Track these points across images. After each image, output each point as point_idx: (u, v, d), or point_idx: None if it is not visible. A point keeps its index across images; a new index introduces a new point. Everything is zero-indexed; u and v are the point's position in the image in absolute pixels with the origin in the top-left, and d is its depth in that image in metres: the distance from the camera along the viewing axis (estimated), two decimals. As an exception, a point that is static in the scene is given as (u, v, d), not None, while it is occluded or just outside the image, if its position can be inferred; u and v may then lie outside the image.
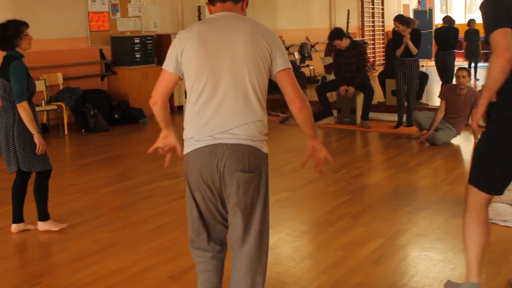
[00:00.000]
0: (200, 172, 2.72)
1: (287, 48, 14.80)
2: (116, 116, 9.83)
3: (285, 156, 7.37)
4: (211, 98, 2.68)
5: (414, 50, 8.45)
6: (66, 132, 9.11)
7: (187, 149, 2.77)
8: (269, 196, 2.88)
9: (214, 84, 2.67)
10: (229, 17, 2.74)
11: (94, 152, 8.03)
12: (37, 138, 4.55)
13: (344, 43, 9.03)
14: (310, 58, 14.95)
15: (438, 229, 4.69)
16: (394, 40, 8.82)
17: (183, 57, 2.72)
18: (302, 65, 14.60)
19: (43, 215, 4.82)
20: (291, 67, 2.74)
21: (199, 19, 9.24)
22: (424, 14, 19.05)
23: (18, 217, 4.81)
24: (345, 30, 14.03)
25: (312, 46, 15.55)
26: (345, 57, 9.03)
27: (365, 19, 18.51)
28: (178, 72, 2.76)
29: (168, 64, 2.77)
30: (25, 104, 4.49)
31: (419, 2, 21.98)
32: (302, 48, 14.94)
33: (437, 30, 11.27)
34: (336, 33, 9.16)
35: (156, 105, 2.84)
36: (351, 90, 8.95)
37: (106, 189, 6.12)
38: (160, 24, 11.42)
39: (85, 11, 10.18)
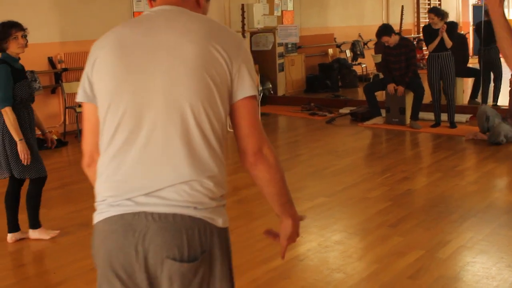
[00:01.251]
0: (109, 255, 1.71)
1: (338, 46, 14.46)
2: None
3: (327, 158, 7.07)
4: (132, 139, 1.70)
5: (449, 43, 8.09)
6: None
7: (95, 217, 1.77)
8: None
9: (137, 117, 1.69)
10: (169, 14, 1.78)
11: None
12: (20, 146, 4.33)
13: (393, 39, 8.64)
14: (363, 56, 14.54)
15: (483, 241, 4.32)
16: (426, 35, 8.43)
17: (93, 76, 1.75)
18: (354, 63, 14.21)
19: (35, 223, 4.62)
20: (256, 94, 1.77)
21: (242, 18, 8.99)
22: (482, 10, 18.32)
23: (14, 226, 4.61)
24: (398, 27, 13.58)
25: (365, 44, 15.13)
26: (394, 55, 8.64)
27: (421, 15, 17.92)
28: (94, 100, 1.78)
29: (81, 92, 1.80)
30: (8, 109, 4.30)
31: (480, -3, 21.20)
32: (354, 45, 14.56)
33: (477, 24, 10.68)
34: (384, 29, 8.77)
35: (94, 164, 1.82)
36: (401, 90, 8.55)
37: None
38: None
39: (130, 11, 10.11)
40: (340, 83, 13.38)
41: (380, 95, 9.41)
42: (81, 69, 9.05)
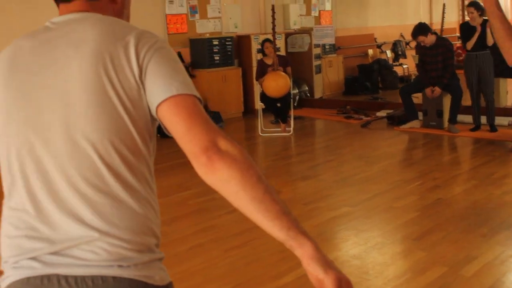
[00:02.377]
0: None
1: (379, 47, 14.10)
2: (192, 120, 9.58)
3: (357, 164, 6.80)
4: (33, 189, 1.37)
5: (491, 40, 7.64)
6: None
7: (1, 283, 1.42)
8: None
9: (35, 162, 1.37)
10: (71, 22, 1.45)
11: (160, 159, 7.79)
12: None
13: (429, 39, 8.28)
14: (404, 57, 14.14)
15: (513, 258, 4.00)
16: (463, 33, 8.03)
17: None
18: (395, 64, 13.81)
19: None
20: (189, 91, 1.37)
21: (273, 19, 8.77)
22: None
23: None
24: (440, 26, 13.13)
25: (407, 44, 14.70)
26: (431, 55, 8.28)
27: (465, 14, 17.32)
28: None
29: None
30: None
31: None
32: (395, 46, 14.17)
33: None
34: (420, 29, 8.42)
35: None
36: (437, 91, 8.19)
37: (159, 200, 5.81)
38: (241, 25, 11.09)
39: (163, 14, 10.03)
40: (380, 85, 13.03)
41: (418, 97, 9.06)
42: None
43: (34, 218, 1.35)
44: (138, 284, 1.33)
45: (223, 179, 1.27)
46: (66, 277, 1.31)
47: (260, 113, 8.87)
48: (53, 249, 1.33)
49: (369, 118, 9.42)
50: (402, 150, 7.65)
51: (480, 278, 3.75)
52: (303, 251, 1.27)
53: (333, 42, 11.64)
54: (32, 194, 1.36)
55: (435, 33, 8.47)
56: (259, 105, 8.88)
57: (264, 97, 8.61)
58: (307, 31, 11.51)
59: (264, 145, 8.44)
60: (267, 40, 8.82)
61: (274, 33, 8.75)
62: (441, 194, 5.55)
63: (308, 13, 12.71)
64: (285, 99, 8.55)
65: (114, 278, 1.31)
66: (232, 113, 10.49)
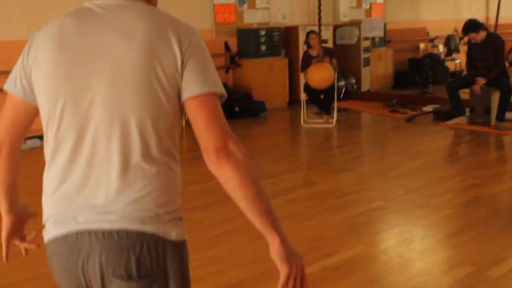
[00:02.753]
0: (58, 279, 1.65)
1: (431, 41, 13.84)
2: (237, 109, 9.65)
3: (397, 159, 6.72)
4: (75, 155, 1.57)
5: None
6: (183, 125, 9.07)
7: (44, 237, 1.66)
8: None
9: (80, 128, 1.56)
10: (116, 8, 1.58)
11: (197, 147, 7.88)
12: None
13: (480, 36, 8.09)
14: (458, 51, 13.82)
15: (545, 261, 3.89)
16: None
17: (33, 74, 1.61)
18: (447, 58, 13.53)
19: None
20: (216, 90, 1.56)
21: (319, 10, 8.73)
22: None
23: None
24: (494, 21, 12.79)
25: (461, 38, 14.35)
26: (481, 52, 8.08)
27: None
28: (30, 99, 1.64)
29: (12, 84, 1.65)
30: None
31: None
32: (448, 40, 13.87)
33: None
34: (471, 25, 8.22)
35: (0, 152, 1.69)
36: (482, 81, 7.99)
37: (195, 186, 5.87)
38: (289, 15, 11.07)
39: (211, 4, 10.09)
40: (431, 80, 12.79)
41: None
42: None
43: (75, 182, 1.57)
44: (156, 238, 1.55)
45: (226, 177, 1.52)
46: (95, 232, 1.54)
47: (303, 104, 8.85)
48: (89, 209, 1.55)
49: (414, 113, 9.28)
50: (445, 146, 7.51)
51: (507, 280, 3.67)
52: (272, 244, 1.56)
53: (382, 35, 11.49)
54: (75, 161, 1.56)
55: (486, 29, 8.26)
56: (302, 96, 8.85)
57: (307, 88, 8.59)
58: (356, 24, 11.39)
59: (306, 136, 8.43)
60: (312, 31, 8.78)
61: (319, 24, 8.70)
62: (479, 192, 5.43)
63: (359, 5, 12.56)
64: (329, 91, 8.50)
65: (136, 232, 1.53)
66: (277, 103, 10.49)
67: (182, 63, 1.53)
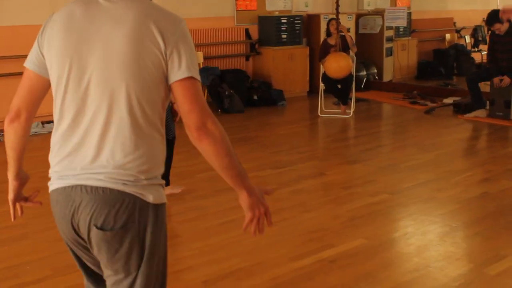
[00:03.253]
0: (58, 222, 1.97)
1: (458, 31, 13.61)
2: (255, 97, 9.64)
3: (410, 151, 6.66)
4: (78, 120, 1.87)
5: None
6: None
7: (49, 186, 1.99)
8: (163, 262, 1.99)
9: (81, 102, 1.86)
10: (111, 2, 1.87)
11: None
12: None
13: (504, 27, 7.94)
14: (485, 43, 13.55)
15: (545, 260, 3.82)
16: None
17: (45, 52, 1.91)
18: (474, 50, 13.30)
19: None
20: (196, 76, 1.84)
21: (337, -1, 8.65)
22: None
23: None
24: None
25: (489, 29, 14.09)
26: (503, 43, 7.93)
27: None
28: (43, 73, 1.94)
29: (30, 60, 1.96)
30: None
31: None
32: (475, 31, 13.64)
33: None
34: (497, 16, 8.05)
35: (18, 120, 1.98)
36: (507, 80, 7.86)
37: (205, 174, 5.86)
38: (312, 4, 10.99)
39: (232, -9, 10.07)
40: (455, 71, 12.60)
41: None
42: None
43: (77, 143, 1.87)
44: (135, 198, 1.84)
45: (205, 150, 1.84)
46: (86, 187, 1.85)
47: (321, 93, 8.79)
48: (84, 169, 1.86)
49: (434, 105, 9.15)
50: (461, 139, 7.39)
51: (504, 278, 3.61)
52: (240, 197, 1.93)
53: (405, 25, 11.33)
54: (77, 127, 1.87)
55: (509, 21, 8.09)
56: (320, 85, 8.80)
57: (325, 77, 8.53)
58: (380, 13, 11.25)
59: (322, 126, 8.38)
60: (332, 19, 8.70)
61: (337, 13, 8.61)
62: (488, 187, 5.35)
63: (385, -7, 12.41)
64: (346, 80, 8.43)
65: (118, 191, 1.83)
66: (297, 92, 10.45)
67: (166, 49, 1.81)
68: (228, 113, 8.99)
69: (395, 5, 12.42)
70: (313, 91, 10.43)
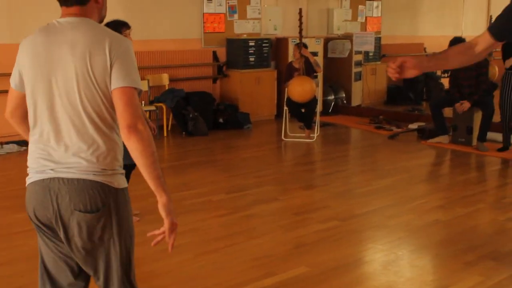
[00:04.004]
0: (34, 209, 2.31)
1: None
2: (221, 120, 9.58)
3: (367, 177, 6.61)
4: (47, 126, 2.27)
5: None
6: (165, 134, 9.02)
7: (27, 181, 2.36)
8: (130, 235, 2.36)
9: (49, 111, 2.26)
10: (69, 26, 2.25)
11: (175, 157, 7.82)
12: None
13: (466, 54, 7.95)
14: (455, 68, 13.68)
15: (487, 290, 3.77)
16: (504, 49, 7.61)
17: (21, 72, 2.33)
18: (443, 75, 13.37)
19: None
20: (134, 85, 2.19)
21: (300, 22, 8.66)
22: None
23: None
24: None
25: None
26: (464, 70, 7.94)
27: None
28: (22, 89, 2.36)
29: (12, 79, 2.39)
30: None
31: None
32: (446, 57, 13.70)
33: None
34: (456, 43, 8.09)
35: (14, 117, 2.48)
36: (466, 104, 7.88)
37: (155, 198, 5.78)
38: (281, 27, 11.00)
39: (200, 13, 10.04)
40: (425, 96, 12.65)
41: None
42: (148, 68, 9.23)
43: (48, 146, 2.27)
44: (103, 186, 2.24)
45: (133, 147, 2.15)
46: (62, 179, 2.24)
47: (286, 117, 8.76)
48: (58, 166, 2.24)
49: (399, 130, 9.16)
50: (421, 165, 7.37)
51: (441, 308, 3.55)
52: (160, 201, 2.19)
53: (372, 50, 11.38)
54: (46, 133, 2.27)
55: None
56: (284, 109, 8.76)
57: (289, 101, 8.51)
58: (348, 37, 11.29)
59: (284, 150, 8.32)
60: (297, 43, 8.69)
61: (300, 37, 8.62)
62: (441, 215, 5.31)
63: (354, 18, 12.48)
64: (310, 104, 8.41)
65: (90, 181, 2.23)
66: (265, 115, 10.42)
67: (111, 64, 2.18)
68: (192, 136, 8.91)
69: (365, 30, 12.49)
70: (280, 114, 10.36)
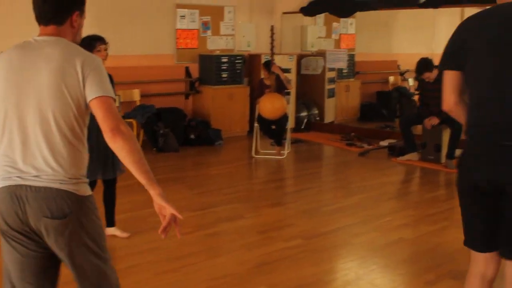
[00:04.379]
0: (2, 215, 2.42)
1: (402, 74, 13.80)
2: (193, 136, 9.53)
3: (335, 194, 6.61)
4: (16, 136, 2.39)
5: None
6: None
7: None
8: (97, 242, 2.47)
9: (19, 121, 2.38)
10: (45, 43, 2.41)
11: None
12: None
13: (434, 74, 8.04)
14: (428, 86, 13.77)
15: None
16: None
17: None
18: (416, 92, 13.46)
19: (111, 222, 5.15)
20: (110, 95, 2.36)
21: (272, 40, 8.67)
22: None
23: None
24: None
25: (416, 78, 14.30)
26: (432, 90, 8.00)
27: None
28: None
29: None
30: None
31: None
32: (419, 74, 13.82)
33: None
34: (426, 65, 8.21)
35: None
36: (434, 120, 7.93)
37: (123, 215, 5.71)
38: (254, 43, 11.01)
39: (173, 28, 10.02)
40: (398, 113, 12.71)
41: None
42: (119, 84, 9.15)
43: (15, 155, 2.38)
44: (69, 193, 2.37)
45: (119, 148, 2.28)
46: (30, 186, 2.36)
47: (256, 134, 8.73)
48: (25, 174, 2.36)
49: (369, 147, 9.18)
50: (390, 182, 7.38)
51: (398, 329, 3.52)
52: (153, 192, 2.32)
53: (345, 67, 11.44)
54: (14, 142, 2.38)
55: (437, 67, 8.19)
56: (255, 126, 8.74)
57: (260, 118, 8.49)
58: (322, 54, 11.33)
59: (254, 167, 8.28)
60: (264, 62, 8.70)
61: (272, 54, 8.63)
62: (404, 233, 5.31)
63: (329, 35, 12.54)
64: (281, 121, 8.40)
65: (56, 189, 2.35)
66: (237, 132, 10.38)
67: (84, 79, 2.33)
68: (162, 152, 8.84)
69: (339, 47, 12.54)
70: (253, 131, 10.34)
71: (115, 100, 2.40)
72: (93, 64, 2.38)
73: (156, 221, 5.41)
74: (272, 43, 8.61)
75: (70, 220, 2.37)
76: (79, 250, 2.42)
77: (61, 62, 2.34)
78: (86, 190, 2.44)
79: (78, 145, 2.40)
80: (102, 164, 4.82)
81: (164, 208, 2.35)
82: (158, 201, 2.33)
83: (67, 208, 2.36)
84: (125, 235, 5.12)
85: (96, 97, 2.33)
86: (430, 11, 11.15)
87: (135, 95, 9.45)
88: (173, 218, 2.36)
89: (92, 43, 4.72)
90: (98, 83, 2.35)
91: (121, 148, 2.27)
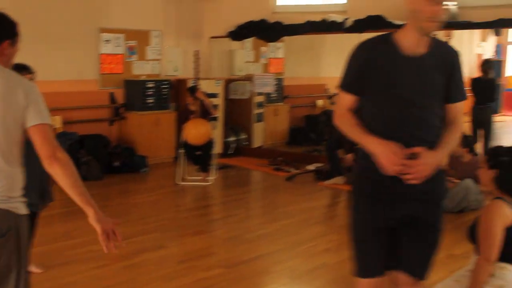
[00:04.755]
0: None
1: (329, 97, 13.94)
2: (117, 163, 9.28)
3: (259, 221, 6.54)
4: None
5: None
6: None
7: None
8: (26, 263, 2.60)
9: None
10: None
11: (63, 204, 7.39)
12: None
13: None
14: (356, 109, 13.97)
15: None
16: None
17: None
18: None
19: None
20: (48, 122, 2.50)
21: (196, 64, 8.60)
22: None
23: None
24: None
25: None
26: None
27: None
28: None
29: None
30: None
31: (495, 52, 20.50)
32: (347, 98, 14.01)
33: (474, 81, 9.96)
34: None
35: None
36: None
37: (37, 249, 5.43)
38: (182, 68, 10.89)
39: (96, 53, 9.80)
40: (326, 137, 12.80)
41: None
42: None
43: None
44: (9, 211, 2.49)
45: (56, 172, 2.45)
46: None
47: (181, 160, 8.58)
48: None
49: (296, 171, 9.17)
50: (315, 207, 7.35)
51: None
52: (89, 214, 2.51)
53: (272, 91, 11.47)
54: None
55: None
56: (180, 152, 8.60)
57: (185, 144, 8.35)
58: (249, 78, 11.32)
59: (178, 195, 8.08)
60: (189, 88, 8.62)
61: (196, 79, 8.55)
62: (328, 258, 5.26)
63: (257, 60, 12.56)
64: (206, 147, 8.29)
65: None
66: (163, 158, 10.18)
67: (26, 105, 2.46)
68: (85, 181, 8.45)
69: (268, 71, 12.57)
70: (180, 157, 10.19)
71: (51, 125, 2.53)
72: (34, 92, 2.52)
73: (72, 254, 5.25)
74: (196, 68, 8.51)
75: (10, 237, 2.48)
76: (13, 270, 2.51)
77: (6, 91, 2.46)
78: (24, 209, 2.57)
79: (17, 168, 2.53)
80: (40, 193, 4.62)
81: (101, 222, 2.52)
82: (91, 222, 2.50)
83: (7, 226, 2.47)
84: (38, 270, 4.84)
85: (35, 125, 2.46)
86: (356, 35, 11.35)
87: (56, 122, 9.13)
88: (110, 231, 2.54)
89: (19, 72, 4.53)
90: (39, 110, 2.49)
91: (58, 173, 2.43)
